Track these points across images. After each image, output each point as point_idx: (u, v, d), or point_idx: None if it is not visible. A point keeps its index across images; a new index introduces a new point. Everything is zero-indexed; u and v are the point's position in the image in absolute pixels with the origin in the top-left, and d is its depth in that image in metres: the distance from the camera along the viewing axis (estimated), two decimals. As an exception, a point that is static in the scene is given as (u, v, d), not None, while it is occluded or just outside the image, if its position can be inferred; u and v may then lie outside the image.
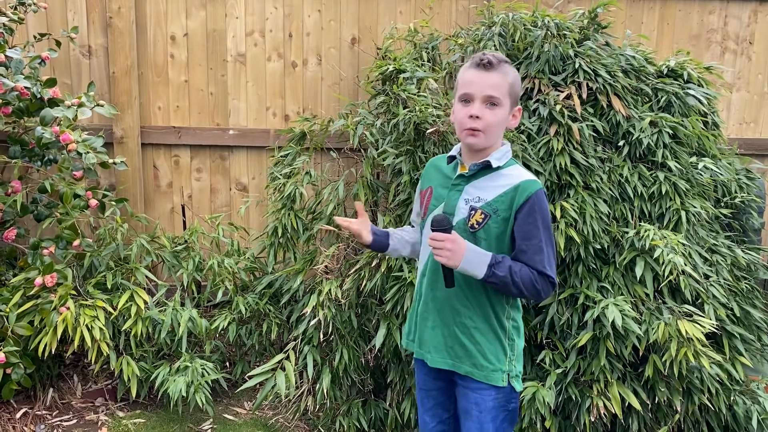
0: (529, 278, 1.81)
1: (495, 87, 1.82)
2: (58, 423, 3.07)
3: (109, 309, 2.98)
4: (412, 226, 2.23)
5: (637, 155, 3.01)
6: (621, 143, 3.00)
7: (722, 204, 3.17)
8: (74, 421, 3.10)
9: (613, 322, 2.59)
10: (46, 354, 2.83)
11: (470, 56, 1.89)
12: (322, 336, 2.95)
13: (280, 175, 3.24)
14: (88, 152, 2.99)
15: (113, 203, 3.19)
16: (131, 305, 3.01)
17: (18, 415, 3.05)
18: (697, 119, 3.08)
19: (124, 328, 2.99)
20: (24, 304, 2.87)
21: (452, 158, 1.98)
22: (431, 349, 1.96)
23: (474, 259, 1.80)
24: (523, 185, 1.84)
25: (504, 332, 1.91)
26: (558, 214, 2.79)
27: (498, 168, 1.89)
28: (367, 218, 2.13)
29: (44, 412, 3.13)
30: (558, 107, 2.91)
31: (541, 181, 1.89)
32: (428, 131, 2.87)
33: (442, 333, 1.94)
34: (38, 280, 2.87)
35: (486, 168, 1.90)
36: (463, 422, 1.99)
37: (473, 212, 1.86)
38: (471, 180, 1.91)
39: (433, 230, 1.83)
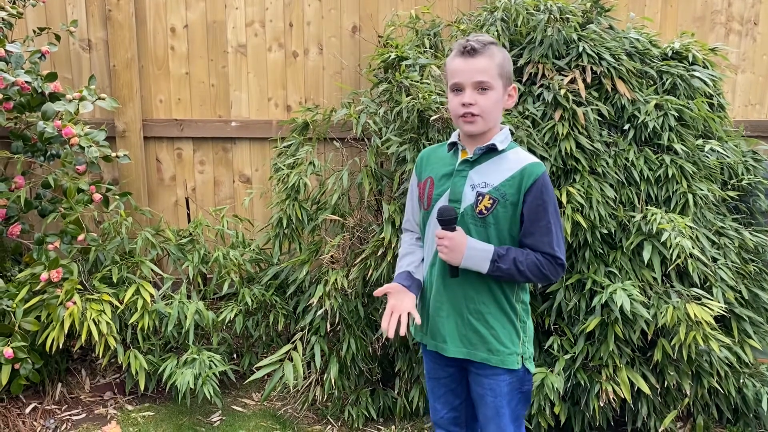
0: (534, 265, 1.82)
1: (483, 72, 1.82)
2: (68, 417, 3.08)
3: (116, 303, 2.98)
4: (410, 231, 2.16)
5: (643, 139, 2.99)
6: (626, 127, 2.98)
7: (729, 186, 3.15)
8: (83, 415, 3.11)
9: (621, 306, 2.58)
10: (54, 349, 2.83)
11: (456, 43, 1.88)
12: (329, 326, 2.95)
13: (284, 165, 3.23)
14: (90, 146, 2.97)
15: (117, 197, 3.18)
16: (137, 299, 3.01)
17: (27, 410, 3.06)
18: (702, 101, 3.05)
19: (130, 322, 2.99)
20: (30, 299, 2.87)
21: (452, 145, 1.97)
22: (446, 339, 1.95)
23: (476, 256, 1.82)
24: (529, 168, 1.84)
25: (516, 315, 1.92)
26: (564, 199, 2.78)
27: (501, 151, 1.88)
28: (399, 291, 1.94)
29: (53, 406, 3.14)
30: (562, 92, 2.88)
31: (544, 164, 1.88)
32: (432, 118, 2.85)
33: (455, 322, 1.93)
34: (44, 276, 2.87)
35: (490, 152, 1.89)
36: (478, 407, 2.00)
37: (481, 198, 1.85)
38: (475, 165, 1.90)
39: (438, 220, 1.84)
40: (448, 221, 1.82)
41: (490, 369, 1.92)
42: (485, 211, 1.85)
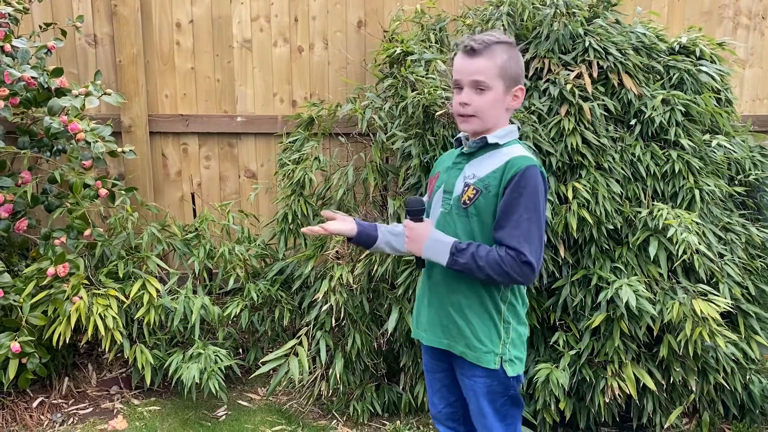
0: (495, 261, 1.75)
1: (481, 72, 1.81)
2: (74, 411, 3.10)
3: (122, 298, 2.99)
4: None
5: (650, 134, 2.97)
6: (633, 122, 2.96)
7: (736, 182, 3.13)
8: (90, 409, 3.13)
9: (626, 302, 2.57)
10: (61, 343, 2.85)
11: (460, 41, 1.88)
12: (334, 321, 2.95)
13: (289, 161, 3.23)
14: (96, 141, 2.98)
15: (123, 192, 3.19)
16: (143, 294, 3.02)
17: (35, 404, 3.08)
18: (709, 96, 3.03)
19: (137, 317, 3.00)
20: (37, 294, 2.88)
21: (459, 140, 1.99)
22: (426, 328, 1.97)
23: (435, 247, 1.83)
24: (512, 161, 1.81)
25: (499, 314, 1.87)
26: (570, 194, 2.77)
27: (498, 146, 1.88)
28: (344, 217, 2.07)
29: (60, 400, 3.16)
30: (568, 87, 2.87)
31: (537, 160, 1.85)
32: (437, 113, 2.84)
33: (437, 312, 1.94)
34: (50, 270, 2.88)
35: (486, 146, 1.89)
36: (468, 407, 2.00)
37: (466, 188, 1.87)
38: (471, 158, 1.92)
39: (407, 211, 1.89)
40: (413, 212, 1.87)
41: (468, 369, 1.90)
42: (468, 202, 1.85)
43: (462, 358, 1.91)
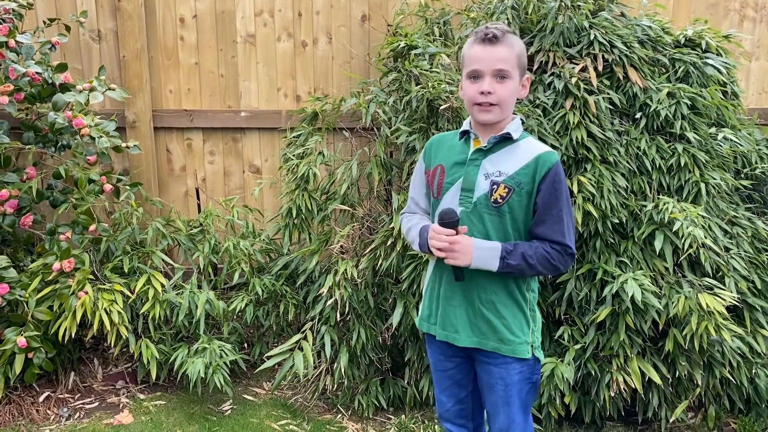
0: (544, 257, 1.81)
1: (503, 60, 1.81)
2: (81, 406, 3.11)
3: (127, 293, 3.00)
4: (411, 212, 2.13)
5: (655, 127, 2.96)
6: (638, 115, 2.95)
7: (742, 175, 3.12)
8: (96, 403, 3.14)
9: (632, 296, 2.56)
10: (66, 338, 2.86)
11: (473, 31, 1.87)
12: (339, 316, 2.95)
13: (293, 156, 3.23)
14: (101, 136, 2.99)
15: (127, 188, 3.19)
16: (148, 289, 3.03)
17: (41, 399, 3.10)
18: (715, 89, 3.02)
19: (142, 312, 3.01)
20: (43, 289, 2.89)
21: (464, 133, 1.96)
22: (458, 329, 1.94)
23: (484, 255, 1.81)
24: (543, 157, 1.84)
25: (526, 302, 1.92)
26: (575, 188, 2.76)
27: (514, 140, 1.88)
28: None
29: (66, 395, 3.17)
30: (573, 80, 2.85)
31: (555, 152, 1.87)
32: (441, 107, 2.84)
33: (467, 312, 1.92)
34: (56, 266, 2.89)
35: (503, 141, 1.88)
36: (486, 396, 1.99)
37: (496, 187, 1.84)
38: (488, 154, 1.89)
39: (440, 224, 1.83)
40: (451, 224, 1.82)
41: (500, 358, 1.91)
42: (500, 200, 1.84)
43: (494, 352, 1.91)
